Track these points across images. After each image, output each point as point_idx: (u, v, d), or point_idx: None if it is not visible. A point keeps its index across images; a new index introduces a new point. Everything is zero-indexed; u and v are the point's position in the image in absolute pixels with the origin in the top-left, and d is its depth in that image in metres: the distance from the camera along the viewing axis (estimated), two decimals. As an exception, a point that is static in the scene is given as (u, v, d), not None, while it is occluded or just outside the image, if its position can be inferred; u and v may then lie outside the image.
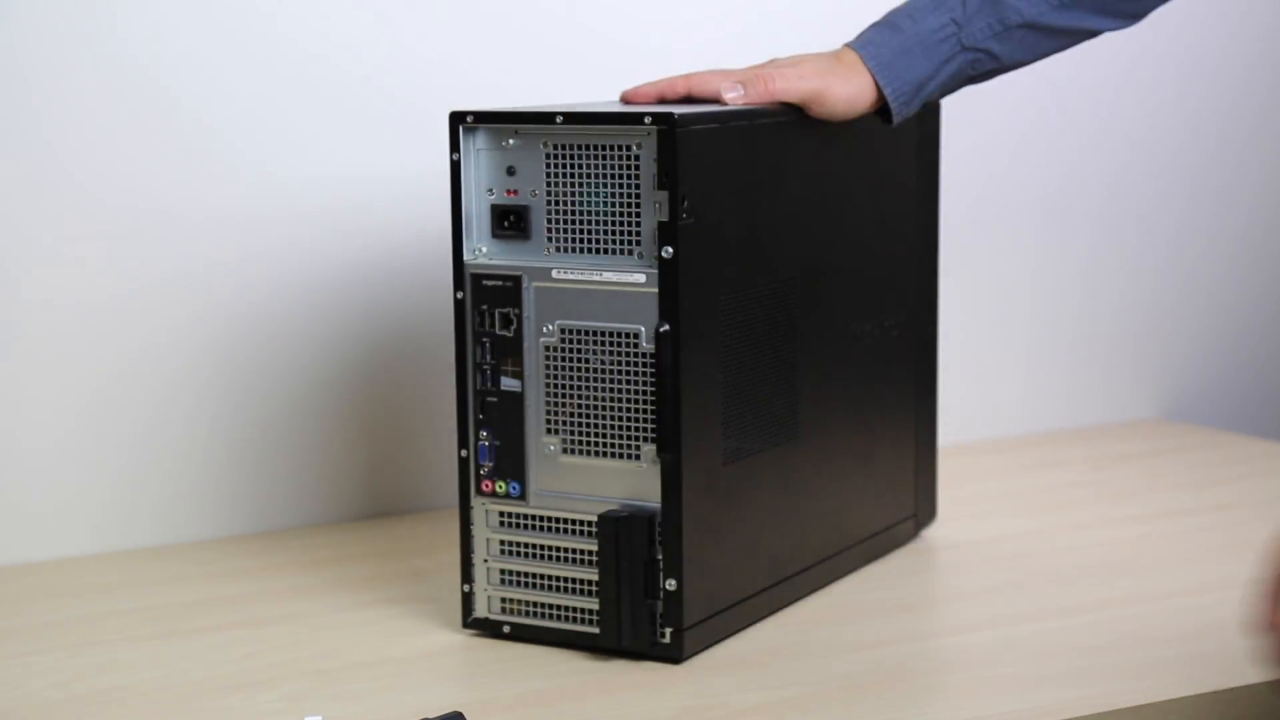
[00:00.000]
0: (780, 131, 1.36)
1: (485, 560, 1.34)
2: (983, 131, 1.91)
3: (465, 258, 1.31)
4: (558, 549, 1.31)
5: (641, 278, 1.27)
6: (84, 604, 1.45)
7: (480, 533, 1.34)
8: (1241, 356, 2.12)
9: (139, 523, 1.59)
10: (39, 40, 1.52)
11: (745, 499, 1.34)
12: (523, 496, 1.32)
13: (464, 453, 1.33)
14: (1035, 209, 1.98)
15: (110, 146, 1.55)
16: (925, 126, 1.54)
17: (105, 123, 1.55)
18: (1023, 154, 1.96)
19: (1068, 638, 1.35)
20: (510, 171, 1.30)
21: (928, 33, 1.37)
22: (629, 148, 1.27)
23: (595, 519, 1.29)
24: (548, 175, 1.29)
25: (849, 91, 1.36)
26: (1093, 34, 1.42)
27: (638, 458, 1.28)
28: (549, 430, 1.31)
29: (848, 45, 1.39)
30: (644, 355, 1.27)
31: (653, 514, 1.28)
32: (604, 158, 1.28)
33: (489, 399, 1.32)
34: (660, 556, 1.28)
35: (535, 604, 1.32)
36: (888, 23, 1.39)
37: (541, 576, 1.32)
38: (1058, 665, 1.29)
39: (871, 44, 1.38)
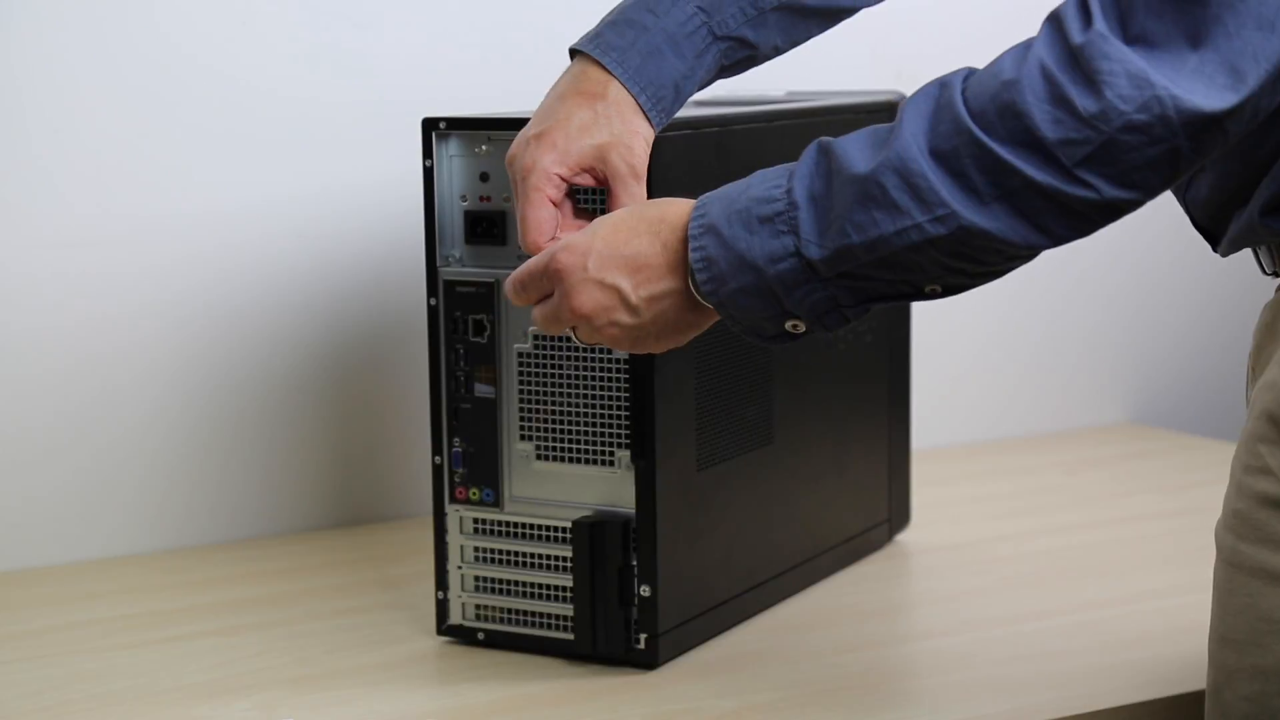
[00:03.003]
0: (753, 137, 1.36)
1: (459, 567, 1.33)
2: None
3: (438, 264, 1.31)
4: (532, 555, 1.31)
5: (615, 283, 1.27)
6: (55, 613, 1.44)
7: (454, 539, 1.33)
8: (1208, 362, 2.13)
9: (109, 532, 1.58)
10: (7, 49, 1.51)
11: (720, 504, 1.34)
12: (496, 503, 1.32)
13: (437, 459, 1.33)
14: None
15: (78, 158, 1.54)
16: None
17: (73, 134, 1.54)
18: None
19: (1041, 642, 1.35)
20: (484, 178, 1.30)
21: (675, 26, 1.20)
22: (602, 153, 1.26)
23: (569, 525, 1.28)
24: (521, 181, 1.29)
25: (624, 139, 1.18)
26: (850, 11, 1.26)
27: (612, 464, 1.28)
28: (523, 436, 1.31)
29: (584, 54, 1.20)
30: (617, 361, 1.27)
31: (627, 520, 1.28)
32: (577, 163, 1.27)
33: (462, 405, 1.32)
34: (635, 562, 1.27)
35: (509, 610, 1.32)
36: (626, 20, 1.20)
37: (516, 583, 1.32)
38: (1031, 669, 1.30)
39: (614, 49, 1.19)
